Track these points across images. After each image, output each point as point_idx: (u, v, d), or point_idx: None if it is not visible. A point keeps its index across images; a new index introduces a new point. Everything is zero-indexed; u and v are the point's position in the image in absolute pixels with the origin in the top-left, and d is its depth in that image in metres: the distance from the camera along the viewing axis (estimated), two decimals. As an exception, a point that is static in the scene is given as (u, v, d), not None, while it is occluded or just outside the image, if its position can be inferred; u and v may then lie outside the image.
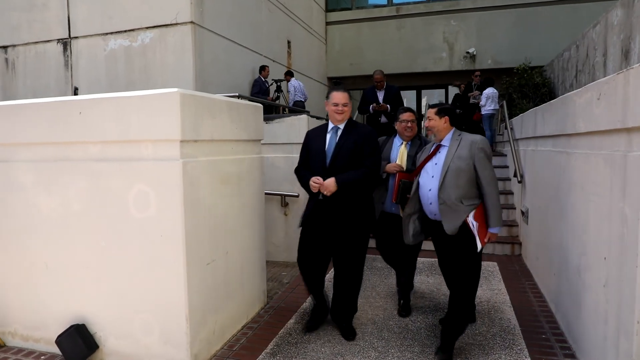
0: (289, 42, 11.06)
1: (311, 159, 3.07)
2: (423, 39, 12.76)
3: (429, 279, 4.33)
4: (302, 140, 3.22)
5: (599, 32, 6.33)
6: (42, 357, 2.91)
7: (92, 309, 2.82)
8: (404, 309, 3.47)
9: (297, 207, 4.80)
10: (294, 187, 4.48)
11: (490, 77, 9.59)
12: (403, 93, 7.52)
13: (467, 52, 12.38)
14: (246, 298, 3.34)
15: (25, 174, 2.92)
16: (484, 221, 2.74)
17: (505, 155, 7.33)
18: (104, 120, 2.67)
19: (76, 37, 7.88)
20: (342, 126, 3.03)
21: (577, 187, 2.81)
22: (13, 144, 2.95)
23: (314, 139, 3.12)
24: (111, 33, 7.63)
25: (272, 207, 4.94)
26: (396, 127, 3.51)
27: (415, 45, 12.81)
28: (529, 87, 9.60)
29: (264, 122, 3.73)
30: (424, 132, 4.12)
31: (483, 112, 9.06)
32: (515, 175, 5.41)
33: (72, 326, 2.78)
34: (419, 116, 3.13)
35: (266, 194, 4.02)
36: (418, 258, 3.64)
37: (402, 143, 3.46)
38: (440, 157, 2.82)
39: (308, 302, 3.67)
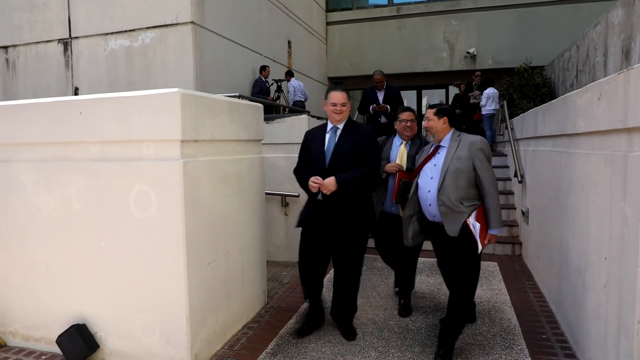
0: (289, 42, 11.07)
1: (310, 160, 3.05)
2: (423, 39, 12.76)
3: (429, 279, 4.33)
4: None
5: (599, 32, 6.33)
6: (42, 357, 2.91)
7: (92, 309, 2.82)
8: (405, 309, 3.47)
9: (298, 207, 4.78)
10: (294, 187, 4.47)
11: (490, 77, 9.59)
12: (403, 93, 7.52)
13: (468, 52, 12.38)
14: (246, 298, 3.34)
15: (25, 173, 2.92)
16: (484, 222, 2.72)
17: (506, 155, 7.33)
18: (104, 120, 2.67)
19: (77, 37, 7.89)
20: (341, 126, 3.01)
21: (577, 187, 2.81)
22: (14, 144, 2.96)
23: (312, 139, 3.10)
24: (112, 33, 7.63)
25: (272, 207, 4.95)
26: (396, 127, 3.51)
27: (415, 45, 12.81)
28: (530, 87, 9.60)
29: (264, 122, 3.73)
30: (424, 132, 4.12)
31: (483, 112, 9.06)
32: (515, 175, 5.41)
33: (72, 326, 2.78)
34: (419, 116, 3.12)
35: (267, 194, 4.02)
36: (419, 258, 3.64)
37: (402, 143, 3.46)
38: (440, 158, 2.81)
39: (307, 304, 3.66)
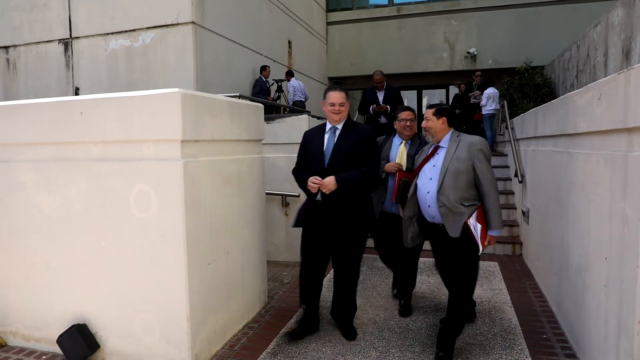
0: (289, 42, 11.07)
1: (309, 160, 3.03)
2: (424, 39, 12.76)
3: (430, 279, 4.33)
4: None
5: (599, 32, 6.32)
6: (43, 357, 2.91)
7: (93, 309, 2.82)
8: (405, 309, 3.46)
9: (298, 207, 4.78)
10: (294, 187, 4.46)
11: (491, 77, 9.59)
12: (404, 93, 7.53)
13: (468, 52, 12.38)
14: (247, 298, 3.34)
15: (26, 174, 2.92)
16: (484, 223, 2.70)
17: (506, 155, 7.33)
18: (105, 120, 2.67)
19: (77, 38, 7.89)
20: (340, 126, 2.99)
21: (577, 187, 2.81)
22: (14, 144, 2.96)
23: (311, 139, 3.08)
24: (112, 33, 7.64)
25: (273, 207, 4.95)
26: (395, 126, 3.50)
27: (416, 45, 12.81)
28: (530, 87, 9.59)
29: (264, 122, 3.73)
30: (422, 132, 4.12)
31: (484, 112, 9.07)
32: (516, 175, 5.41)
33: (73, 326, 2.78)
34: (419, 116, 3.11)
35: (267, 194, 4.02)
36: (419, 258, 3.64)
37: (401, 142, 3.45)
38: (439, 159, 2.78)
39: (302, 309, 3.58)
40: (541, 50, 11.17)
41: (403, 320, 3.35)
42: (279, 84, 9.48)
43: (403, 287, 3.55)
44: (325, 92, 3.02)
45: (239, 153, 3.21)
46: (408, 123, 3.37)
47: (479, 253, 2.69)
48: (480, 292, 3.91)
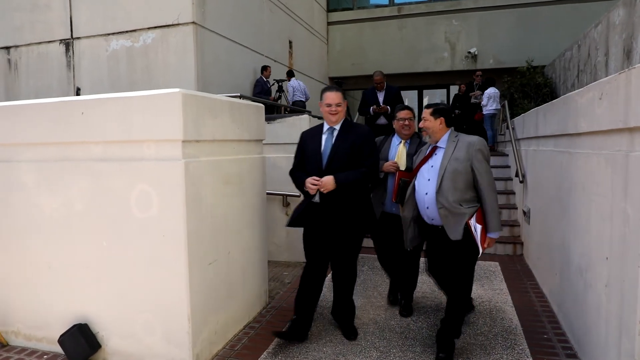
0: (290, 42, 11.07)
1: (306, 161, 3.00)
2: (425, 39, 12.76)
3: (431, 278, 4.32)
4: None
5: (600, 32, 6.32)
6: (44, 357, 2.92)
7: (94, 309, 2.83)
8: (406, 309, 3.46)
9: (299, 207, 4.80)
10: (295, 187, 4.49)
11: (491, 76, 9.59)
12: (404, 93, 7.52)
13: (469, 52, 12.38)
14: (248, 298, 3.35)
15: (27, 174, 2.93)
16: (483, 225, 2.67)
17: (507, 155, 7.33)
18: (106, 121, 2.68)
19: (78, 38, 7.90)
20: (338, 127, 2.96)
21: (578, 187, 2.80)
22: (15, 144, 2.96)
23: (308, 140, 3.05)
24: (113, 34, 7.65)
25: (273, 207, 4.95)
26: (394, 126, 3.49)
27: (416, 45, 12.81)
28: (531, 87, 9.59)
29: (265, 122, 3.73)
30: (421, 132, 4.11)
31: (485, 111, 9.07)
32: (517, 175, 5.41)
33: (74, 326, 2.78)
34: (419, 115, 3.08)
35: (268, 194, 4.02)
36: (420, 258, 3.63)
37: (400, 142, 3.43)
38: (437, 160, 2.74)
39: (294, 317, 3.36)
40: (542, 50, 11.17)
41: (404, 320, 3.35)
42: (280, 84, 9.49)
43: (404, 287, 3.54)
44: (322, 92, 2.99)
45: (240, 153, 3.21)
46: (406, 122, 3.36)
47: (479, 255, 2.67)
48: (481, 292, 3.91)
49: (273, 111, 8.40)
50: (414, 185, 2.85)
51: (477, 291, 3.92)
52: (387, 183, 3.36)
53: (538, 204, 4.33)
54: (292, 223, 3.06)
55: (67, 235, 2.84)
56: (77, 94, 7.90)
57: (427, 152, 2.85)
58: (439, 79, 13.24)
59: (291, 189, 4.75)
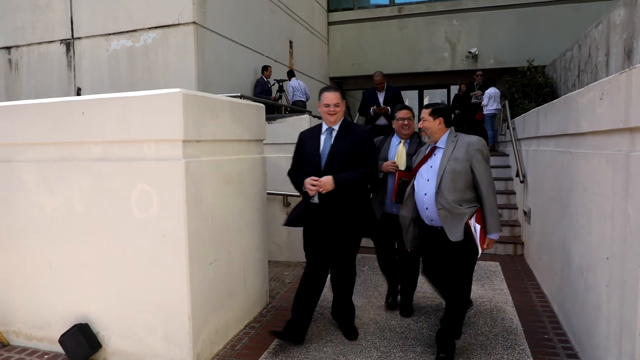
0: (290, 42, 11.07)
1: (305, 161, 2.99)
2: (425, 39, 12.75)
3: (426, 280, 4.32)
4: None
5: (601, 32, 6.32)
6: (45, 356, 2.92)
7: (94, 309, 2.83)
8: (406, 309, 3.46)
9: (299, 207, 4.80)
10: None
11: (492, 76, 9.59)
12: (405, 93, 7.52)
13: (469, 52, 12.37)
14: (248, 298, 3.35)
15: (27, 174, 2.93)
16: (483, 225, 2.65)
17: (508, 155, 7.33)
18: (106, 121, 2.68)
19: (79, 38, 7.91)
20: (336, 127, 2.95)
21: (579, 187, 2.80)
22: (16, 144, 2.97)
23: (307, 140, 3.03)
24: (114, 34, 7.65)
25: (274, 207, 4.95)
26: (393, 126, 3.48)
27: (417, 45, 12.80)
28: (531, 86, 9.59)
29: (266, 122, 3.73)
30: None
31: (485, 111, 9.07)
32: (517, 175, 5.41)
33: (75, 325, 2.79)
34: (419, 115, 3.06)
35: (268, 194, 4.02)
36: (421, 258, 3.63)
37: (400, 142, 3.43)
38: (436, 160, 2.73)
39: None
40: (542, 50, 11.16)
41: (404, 320, 3.35)
42: (280, 84, 9.49)
43: (403, 288, 3.53)
44: (320, 92, 2.97)
45: (240, 153, 3.21)
46: (406, 122, 3.35)
47: (478, 256, 2.66)
48: (481, 292, 3.91)
49: (273, 111, 8.40)
50: (413, 186, 2.84)
51: (478, 291, 3.92)
52: (386, 183, 3.35)
53: (539, 204, 4.33)
54: (289, 223, 3.05)
55: (67, 235, 2.84)
56: (78, 94, 7.90)
57: (426, 152, 2.83)
58: (439, 79, 13.23)
59: (292, 189, 4.72)
